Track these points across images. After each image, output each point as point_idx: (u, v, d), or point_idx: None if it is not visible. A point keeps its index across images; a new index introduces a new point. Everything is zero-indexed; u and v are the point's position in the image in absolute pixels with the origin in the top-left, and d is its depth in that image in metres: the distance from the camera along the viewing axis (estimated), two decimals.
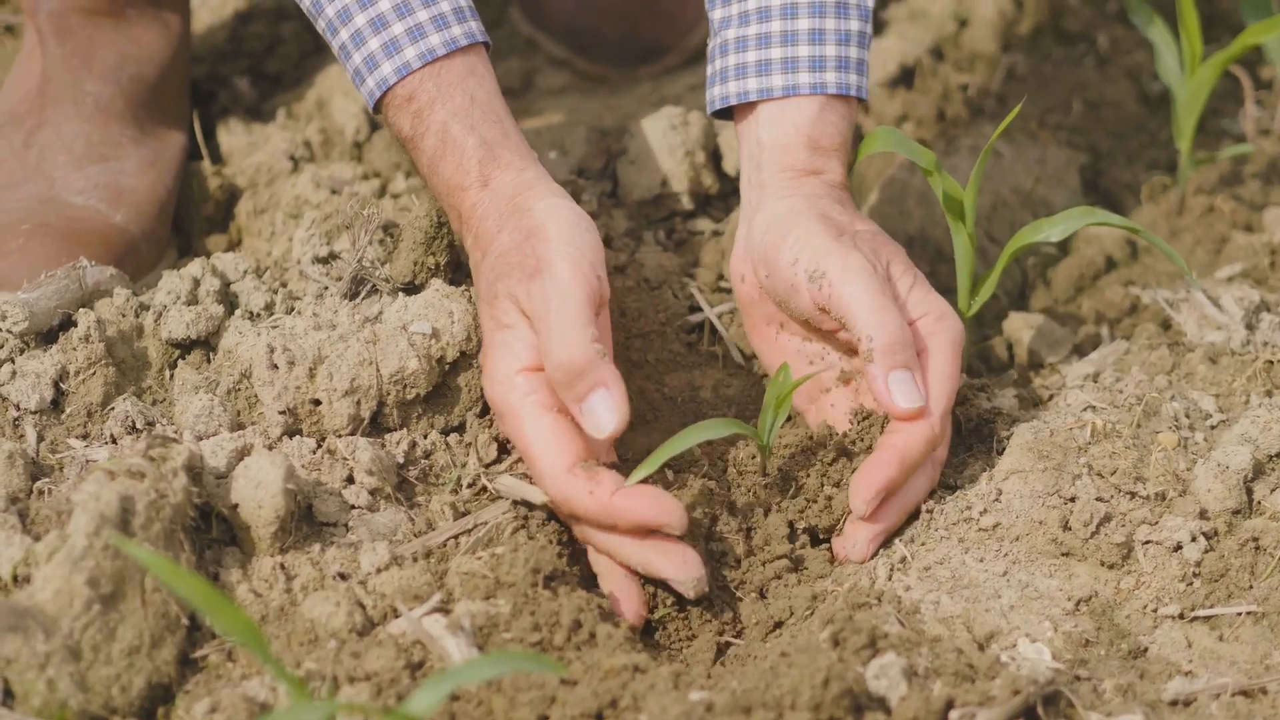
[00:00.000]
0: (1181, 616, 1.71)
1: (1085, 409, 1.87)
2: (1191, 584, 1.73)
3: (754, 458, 1.83)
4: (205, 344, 1.91)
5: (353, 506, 1.76)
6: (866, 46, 1.94)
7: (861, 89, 1.93)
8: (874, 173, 2.34)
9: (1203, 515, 1.77)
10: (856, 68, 1.93)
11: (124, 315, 1.90)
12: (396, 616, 1.66)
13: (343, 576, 1.69)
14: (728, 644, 1.74)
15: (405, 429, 1.85)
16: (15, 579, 1.61)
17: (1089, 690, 1.61)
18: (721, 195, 2.25)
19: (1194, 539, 1.74)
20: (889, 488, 1.76)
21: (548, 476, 1.73)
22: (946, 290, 2.17)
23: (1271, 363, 1.94)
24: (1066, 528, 1.76)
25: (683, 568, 1.72)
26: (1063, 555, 1.75)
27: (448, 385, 1.87)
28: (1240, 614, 1.70)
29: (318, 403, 1.82)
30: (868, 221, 1.89)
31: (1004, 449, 1.86)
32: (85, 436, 1.84)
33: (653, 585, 1.77)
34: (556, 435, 1.73)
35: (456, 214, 1.85)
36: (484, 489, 1.82)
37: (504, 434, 1.83)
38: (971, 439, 1.92)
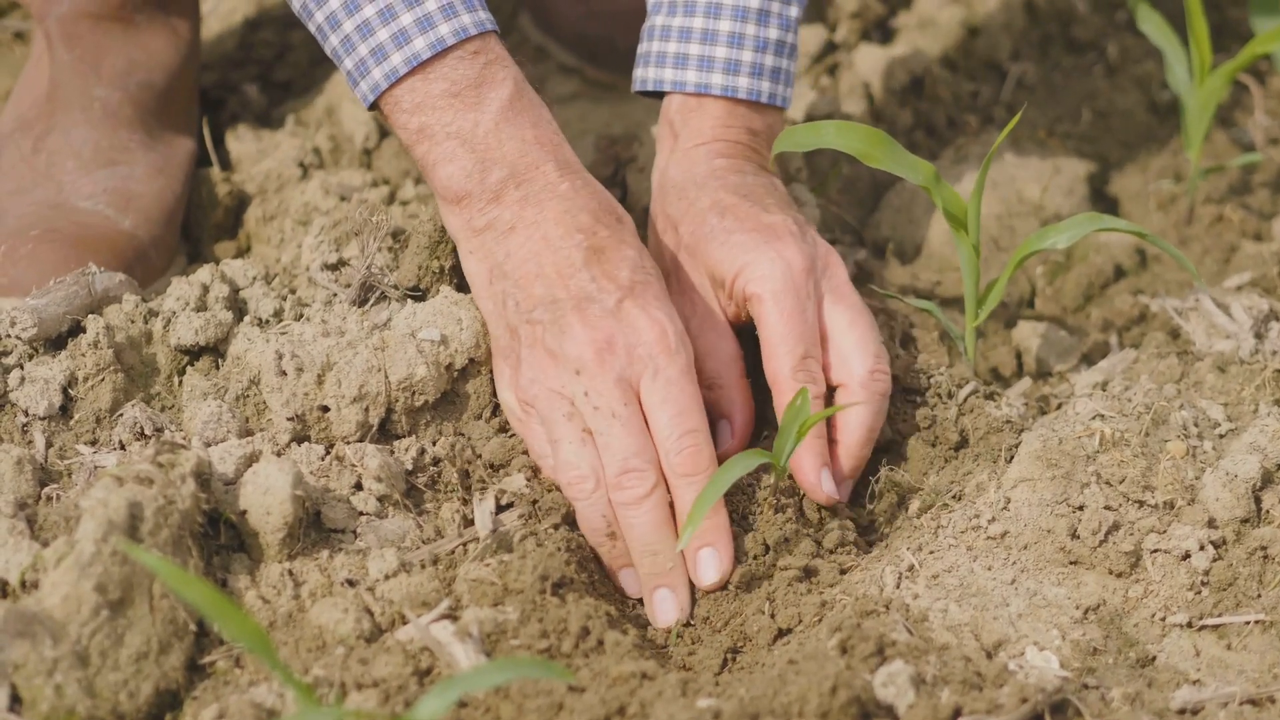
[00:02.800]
0: (1190, 625, 1.71)
1: (1094, 417, 1.87)
2: (1200, 593, 1.73)
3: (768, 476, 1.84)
4: (214, 350, 1.91)
5: (361, 513, 1.76)
6: (786, 55, 1.98)
7: (775, 97, 1.98)
8: (881, 180, 2.34)
9: (1211, 524, 1.77)
10: (771, 75, 1.97)
11: (133, 321, 1.90)
12: (404, 623, 1.66)
13: (351, 583, 1.69)
14: (735, 651, 1.74)
15: (414, 436, 1.85)
16: (23, 585, 1.61)
17: (1097, 699, 1.61)
18: None
19: (1202, 548, 1.74)
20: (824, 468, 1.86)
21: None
22: (954, 299, 2.17)
23: None
24: (1075, 536, 1.76)
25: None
26: (1071, 564, 1.75)
27: (456, 392, 1.87)
28: (1248, 623, 1.70)
29: (326, 409, 1.82)
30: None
31: (1012, 457, 1.86)
32: (94, 443, 1.84)
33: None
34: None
35: (527, 162, 1.85)
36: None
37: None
38: (980, 447, 1.92)
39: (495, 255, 1.85)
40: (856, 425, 1.86)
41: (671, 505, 1.78)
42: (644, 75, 2.01)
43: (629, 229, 1.86)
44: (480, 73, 1.84)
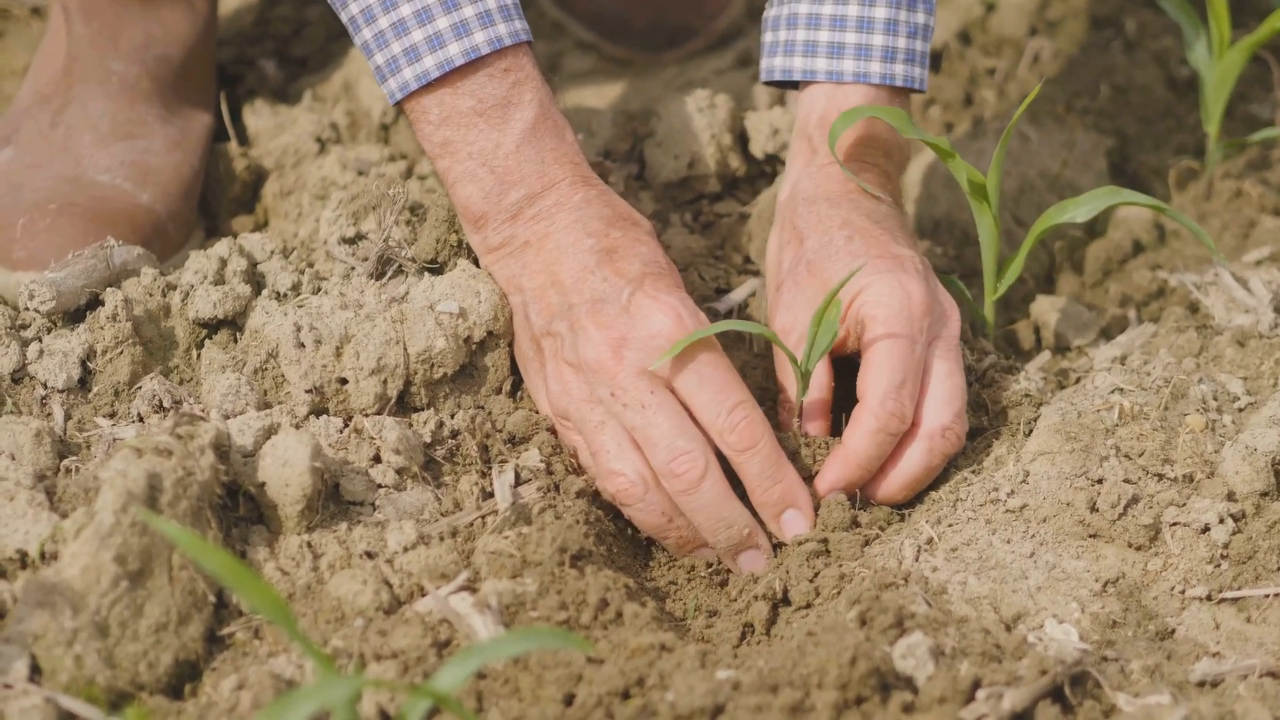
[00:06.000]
0: (1209, 598, 1.70)
1: (1113, 391, 1.87)
2: (1219, 566, 1.73)
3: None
4: (232, 323, 1.91)
5: (379, 485, 1.76)
6: (929, 40, 1.96)
7: (923, 82, 1.96)
8: None
9: (1230, 497, 1.76)
10: (920, 61, 1.95)
11: (151, 295, 1.90)
12: (423, 595, 1.66)
13: (369, 555, 1.69)
14: (753, 623, 1.74)
15: (433, 408, 1.85)
16: (43, 556, 1.61)
17: (1116, 671, 1.61)
18: (749, 178, 2.25)
19: (1221, 521, 1.74)
20: (845, 488, 1.83)
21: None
22: (973, 273, 2.17)
23: None
24: (1094, 509, 1.76)
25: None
26: (1090, 537, 1.75)
27: (475, 365, 1.87)
28: (1268, 596, 1.70)
29: (344, 381, 1.82)
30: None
31: (1031, 431, 1.86)
32: (112, 415, 1.84)
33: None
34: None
35: (544, 181, 1.84)
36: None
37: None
38: (999, 421, 1.92)
39: (510, 269, 1.85)
40: (909, 468, 1.84)
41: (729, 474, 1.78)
42: (788, 65, 1.96)
43: (644, 231, 1.84)
44: (508, 92, 1.82)
